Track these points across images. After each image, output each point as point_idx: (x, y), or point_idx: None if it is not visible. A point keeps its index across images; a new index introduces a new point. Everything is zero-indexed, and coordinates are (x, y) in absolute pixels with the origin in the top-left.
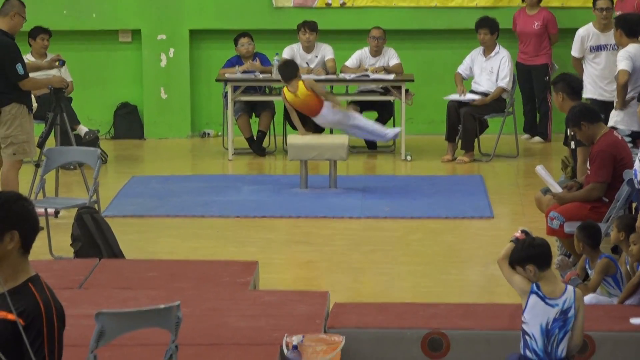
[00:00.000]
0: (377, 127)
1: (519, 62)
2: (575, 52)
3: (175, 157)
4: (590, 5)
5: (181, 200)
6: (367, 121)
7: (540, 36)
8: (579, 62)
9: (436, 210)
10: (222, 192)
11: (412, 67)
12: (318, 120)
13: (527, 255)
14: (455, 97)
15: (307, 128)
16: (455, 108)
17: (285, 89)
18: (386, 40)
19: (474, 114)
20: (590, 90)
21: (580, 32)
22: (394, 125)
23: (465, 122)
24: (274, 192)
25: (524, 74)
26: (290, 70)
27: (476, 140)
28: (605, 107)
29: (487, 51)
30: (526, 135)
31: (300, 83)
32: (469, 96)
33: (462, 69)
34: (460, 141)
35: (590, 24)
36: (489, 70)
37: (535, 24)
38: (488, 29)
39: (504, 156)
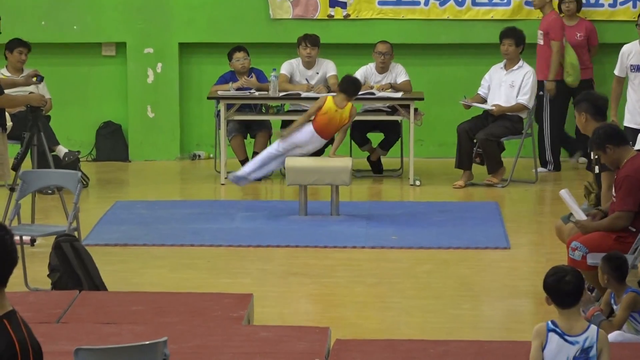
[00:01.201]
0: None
1: None
2: (616, 70)
3: (163, 181)
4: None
5: (169, 227)
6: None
7: (582, 48)
8: (619, 82)
9: (447, 240)
10: (214, 219)
11: (421, 85)
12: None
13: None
14: (466, 101)
15: None
16: (467, 132)
17: (330, 98)
18: (393, 55)
19: (489, 138)
20: (628, 119)
21: (624, 48)
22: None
23: (485, 148)
24: (270, 219)
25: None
26: (356, 89)
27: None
28: None
29: (510, 64)
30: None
31: (350, 105)
32: (484, 106)
33: (481, 90)
34: (486, 166)
35: (637, 41)
36: (509, 84)
37: (578, 35)
38: (513, 40)
39: (522, 181)
